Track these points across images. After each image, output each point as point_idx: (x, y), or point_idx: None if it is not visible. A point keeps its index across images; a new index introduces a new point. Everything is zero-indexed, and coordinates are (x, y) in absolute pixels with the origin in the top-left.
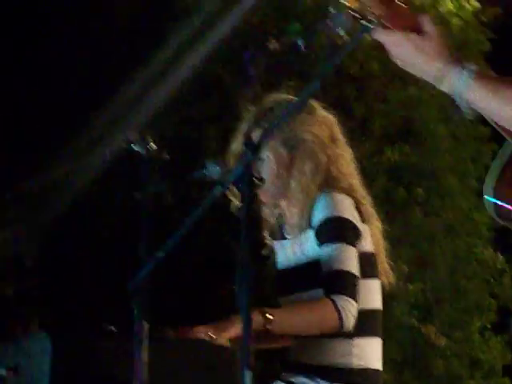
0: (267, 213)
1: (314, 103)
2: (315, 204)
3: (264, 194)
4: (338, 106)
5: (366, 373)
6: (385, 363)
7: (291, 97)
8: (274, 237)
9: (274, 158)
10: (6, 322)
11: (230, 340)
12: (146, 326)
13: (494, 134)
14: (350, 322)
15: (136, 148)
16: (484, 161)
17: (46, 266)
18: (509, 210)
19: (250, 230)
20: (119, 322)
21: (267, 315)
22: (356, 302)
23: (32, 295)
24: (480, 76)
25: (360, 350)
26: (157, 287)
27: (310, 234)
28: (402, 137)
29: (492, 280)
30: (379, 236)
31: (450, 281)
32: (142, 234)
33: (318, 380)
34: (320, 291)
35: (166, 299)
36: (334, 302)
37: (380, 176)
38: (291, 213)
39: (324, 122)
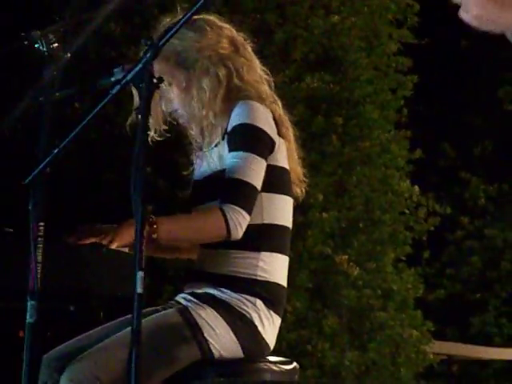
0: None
1: (211, 17)
2: (232, 112)
3: (183, 120)
4: (259, 32)
5: (270, 285)
6: (297, 291)
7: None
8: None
9: (174, 82)
10: None
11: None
12: (41, 226)
13: (414, 66)
14: (238, 232)
15: (38, 46)
16: (404, 92)
17: None
18: None
19: (145, 132)
20: (16, 223)
21: (153, 225)
22: (248, 213)
23: None
24: None
25: (266, 264)
26: (54, 187)
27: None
28: (322, 65)
29: (407, 213)
30: (293, 145)
31: (365, 211)
32: (41, 136)
33: (222, 289)
34: None
35: (64, 199)
36: (222, 210)
37: (298, 103)
38: (201, 130)
39: (222, 34)
